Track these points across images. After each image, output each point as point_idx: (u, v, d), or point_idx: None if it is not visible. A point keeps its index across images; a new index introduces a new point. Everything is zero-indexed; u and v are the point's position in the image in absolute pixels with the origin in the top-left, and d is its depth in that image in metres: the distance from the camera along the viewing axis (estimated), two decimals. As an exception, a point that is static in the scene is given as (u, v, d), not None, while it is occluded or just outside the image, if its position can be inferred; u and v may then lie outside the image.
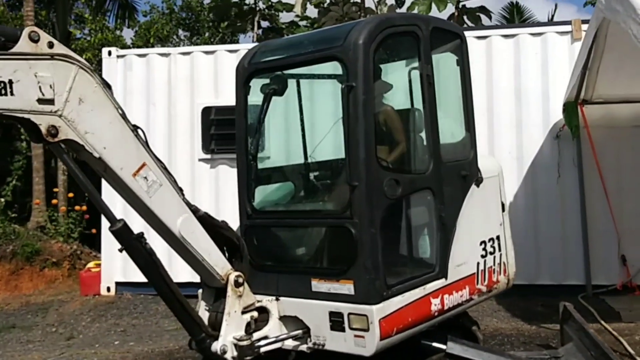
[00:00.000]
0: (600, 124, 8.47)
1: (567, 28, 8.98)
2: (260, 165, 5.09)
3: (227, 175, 8.66)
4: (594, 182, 8.45)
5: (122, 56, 9.82)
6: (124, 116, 4.14)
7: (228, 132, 8.65)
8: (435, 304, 4.82)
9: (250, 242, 5.00)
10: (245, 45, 9.64)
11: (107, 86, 4.10)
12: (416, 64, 4.93)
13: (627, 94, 8.22)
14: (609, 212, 8.37)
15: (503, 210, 5.70)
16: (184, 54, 9.68)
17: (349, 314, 4.44)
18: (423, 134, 4.97)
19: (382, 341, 4.37)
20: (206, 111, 9.23)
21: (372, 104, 4.45)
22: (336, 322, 4.50)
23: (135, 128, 4.22)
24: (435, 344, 5.09)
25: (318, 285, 4.62)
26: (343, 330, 4.48)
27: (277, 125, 5.48)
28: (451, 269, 4.99)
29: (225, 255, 4.81)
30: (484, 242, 5.40)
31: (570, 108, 8.32)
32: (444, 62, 5.43)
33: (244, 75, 5.10)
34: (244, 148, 5.06)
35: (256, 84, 5.07)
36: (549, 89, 8.83)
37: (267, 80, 5.01)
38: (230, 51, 9.47)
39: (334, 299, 4.53)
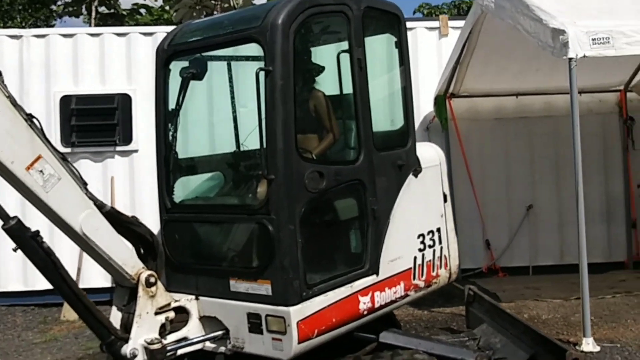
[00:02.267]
0: (466, 116, 8.90)
1: (436, 24, 9.08)
2: (180, 156, 4.74)
3: (90, 172, 7.79)
4: (460, 171, 8.75)
5: None
6: (15, 104, 3.78)
7: (91, 124, 8.33)
8: (364, 302, 4.54)
9: (169, 238, 4.69)
10: (112, 29, 9.21)
11: (-6, 71, 3.75)
12: (346, 47, 4.60)
13: (490, 88, 8.71)
14: (474, 200, 8.82)
15: (445, 201, 5.43)
16: (38, 36, 8.65)
17: (267, 315, 4.16)
18: (354, 122, 4.64)
19: (300, 344, 4.10)
20: (65, 100, 8.36)
21: (291, 89, 4.12)
22: (254, 324, 4.22)
23: (29, 117, 3.87)
24: (367, 335, 4.85)
25: (236, 285, 4.33)
26: (261, 332, 4.20)
27: (198, 112, 5.14)
28: (383, 265, 4.71)
29: (140, 253, 4.51)
30: (422, 235, 5.12)
31: (440, 101, 8.63)
32: (381, 45, 5.12)
33: (163, 57, 4.75)
34: (163, 136, 4.72)
35: (177, 67, 4.72)
36: (419, 82, 8.50)
37: (187, 63, 4.65)
38: (92, 34, 8.70)
39: (252, 300, 4.24)
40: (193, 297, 4.55)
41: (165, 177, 4.73)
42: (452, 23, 8.91)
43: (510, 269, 9.04)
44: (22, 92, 8.31)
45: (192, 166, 4.88)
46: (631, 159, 9.23)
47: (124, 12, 18.80)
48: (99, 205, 4.18)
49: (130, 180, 8.43)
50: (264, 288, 4.18)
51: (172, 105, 4.69)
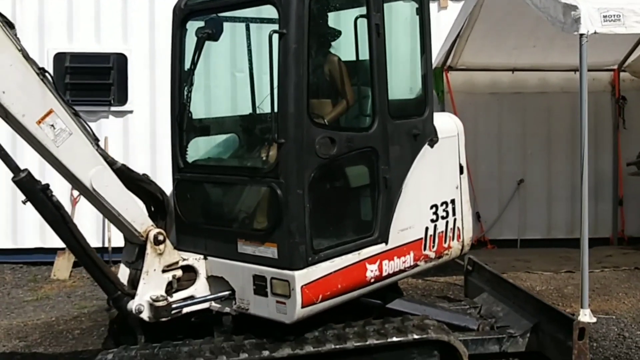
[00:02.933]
0: (462, 89, 8.96)
1: None
2: (194, 116, 4.74)
3: None
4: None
5: None
6: (27, 58, 3.81)
7: (85, 82, 8.21)
8: (371, 270, 4.53)
9: (181, 197, 4.72)
10: None
11: (8, 25, 3.76)
12: (364, 12, 4.51)
13: (488, 62, 8.77)
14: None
15: (461, 172, 5.36)
16: None
17: (272, 278, 4.17)
18: (369, 89, 4.57)
19: (304, 308, 4.11)
20: (59, 58, 8.21)
21: (305, 53, 4.06)
22: (260, 286, 4.24)
23: (42, 71, 3.89)
24: (373, 300, 4.89)
25: (244, 246, 4.35)
26: (266, 295, 4.22)
27: (214, 73, 5.11)
28: (393, 234, 4.68)
29: (150, 210, 4.55)
30: (435, 205, 5.07)
31: (438, 73, 8.62)
32: (401, 11, 5.02)
33: (179, 17, 4.71)
34: (178, 96, 4.71)
35: (193, 27, 4.68)
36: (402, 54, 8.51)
37: (203, 24, 4.61)
38: None
39: (259, 262, 4.26)
40: (201, 256, 4.58)
41: (179, 137, 4.74)
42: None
43: (498, 242, 9.20)
44: None
45: (206, 127, 4.88)
46: (621, 138, 9.34)
47: None
48: (110, 162, 4.21)
49: (124, 141, 8.36)
50: (271, 251, 4.19)
51: (187, 65, 4.66)
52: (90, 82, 8.22)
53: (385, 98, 4.58)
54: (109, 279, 4.23)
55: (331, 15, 4.68)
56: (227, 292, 4.47)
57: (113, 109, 8.30)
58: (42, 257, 8.33)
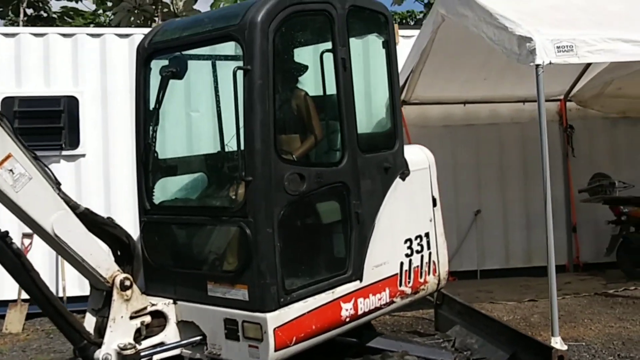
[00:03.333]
0: (416, 122, 8.96)
1: None
2: (160, 156, 4.63)
3: None
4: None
5: None
6: (-17, 102, 3.69)
7: (35, 126, 7.89)
8: (346, 309, 4.41)
9: (148, 240, 4.58)
10: (53, 29, 8.80)
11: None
12: (329, 46, 4.48)
13: (440, 96, 8.96)
14: None
15: (434, 205, 5.30)
16: None
17: (243, 321, 4.03)
18: (338, 123, 4.51)
19: (277, 352, 3.97)
20: (7, 102, 7.89)
21: (271, 89, 4.00)
22: (231, 330, 4.10)
23: (1, 116, 3.77)
24: (350, 339, 4.77)
25: (214, 289, 4.21)
26: (238, 339, 4.08)
27: (180, 112, 5.03)
28: (368, 270, 4.58)
29: (116, 255, 4.41)
30: (409, 240, 4.99)
31: None
32: (369, 45, 5.01)
33: (143, 56, 4.65)
34: (143, 136, 4.61)
35: (157, 66, 4.61)
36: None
37: (167, 62, 4.55)
38: (36, 35, 8.25)
39: (229, 305, 4.12)
40: (171, 301, 4.43)
41: (144, 178, 4.62)
42: (402, 32, 8.77)
43: (458, 273, 9.11)
44: None
45: (173, 167, 4.77)
46: (571, 166, 9.54)
47: (55, 16, 17.92)
48: (73, 206, 4.08)
49: (77, 185, 8.02)
50: (241, 293, 4.06)
51: (152, 104, 4.57)
52: (40, 126, 7.97)
53: (354, 132, 4.53)
54: (74, 328, 4.06)
55: (298, 50, 4.63)
56: (198, 338, 4.32)
57: (64, 153, 8.03)
58: None
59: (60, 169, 7.96)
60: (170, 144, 4.76)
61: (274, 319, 3.96)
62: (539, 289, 8.07)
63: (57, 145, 7.93)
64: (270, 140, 3.99)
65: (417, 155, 5.23)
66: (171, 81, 4.53)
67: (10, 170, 3.75)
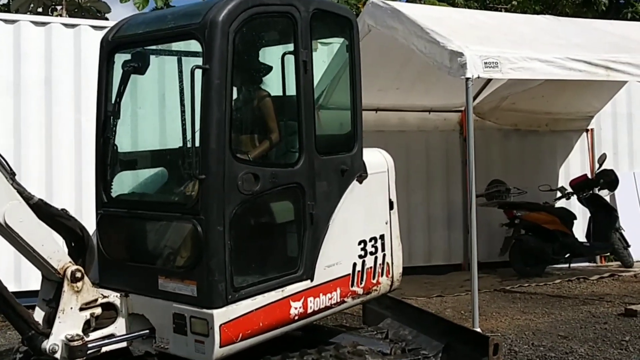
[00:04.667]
0: None
1: None
2: (119, 150, 4.66)
3: None
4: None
5: None
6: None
7: None
8: (295, 308, 4.49)
9: (103, 233, 4.62)
10: (20, 16, 8.39)
11: None
12: (292, 48, 4.53)
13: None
14: None
15: (391, 208, 5.38)
16: None
17: (191, 317, 4.09)
18: (296, 125, 4.57)
19: (223, 348, 4.03)
20: None
21: (228, 89, 4.06)
22: (179, 324, 4.16)
23: None
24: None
25: (164, 284, 4.27)
26: (185, 334, 4.13)
27: (141, 107, 5.04)
28: (319, 270, 4.66)
29: (71, 247, 4.44)
30: (364, 241, 5.07)
31: None
32: (332, 48, 5.07)
33: (107, 49, 4.67)
34: (102, 130, 4.64)
35: (120, 60, 4.63)
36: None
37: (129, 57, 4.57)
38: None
39: (179, 300, 4.18)
40: (122, 293, 4.47)
41: (102, 171, 4.65)
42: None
43: None
44: None
45: (131, 161, 4.80)
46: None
47: None
48: (26, 197, 4.09)
49: None
50: (190, 289, 4.12)
51: (113, 98, 4.60)
52: None
53: (313, 134, 4.59)
54: (22, 318, 4.08)
55: (260, 51, 4.67)
56: (146, 331, 4.37)
57: None
58: None
59: None
60: (130, 138, 4.79)
61: (221, 315, 4.02)
62: (442, 286, 8.70)
63: None
64: (225, 139, 4.04)
65: (376, 159, 5.31)
66: (134, 76, 4.56)
67: (-39, 159, 3.76)
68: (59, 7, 14.24)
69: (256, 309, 4.23)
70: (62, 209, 4.34)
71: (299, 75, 4.50)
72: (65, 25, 7.70)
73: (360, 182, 5.04)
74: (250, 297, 4.21)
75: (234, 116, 4.18)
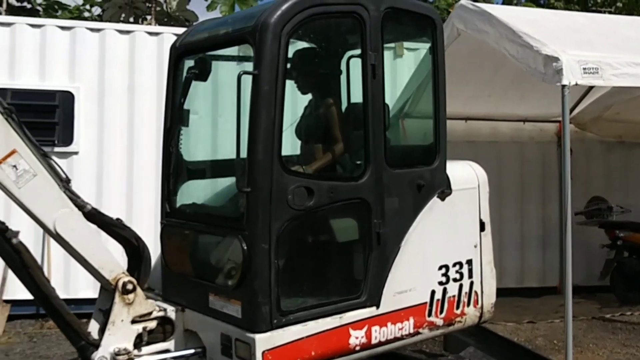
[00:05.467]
0: None
1: (391, 44, 7.83)
2: (183, 158, 4.53)
3: None
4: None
5: None
6: (-10, 96, 3.73)
7: (28, 120, 6.97)
8: (357, 337, 4.07)
9: (165, 244, 4.51)
10: (51, 21, 8.28)
11: (-29, 62, 3.71)
12: (359, 51, 4.15)
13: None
14: None
15: (482, 229, 4.80)
16: None
17: (236, 339, 3.83)
18: (362, 134, 4.16)
19: (266, 377, 3.72)
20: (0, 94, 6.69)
21: (279, 96, 3.75)
22: (225, 346, 3.91)
23: (7, 111, 3.81)
24: None
25: (214, 301, 4.04)
26: (231, 356, 3.87)
27: (205, 114, 4.88)
28: (387, 296, 4.21)
29: (130, 257, 4.35)
30: (445, 266, 4.55)
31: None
32: (420, 54, 4.62)
33: (174, 56, 4.56)
34: (167, 137, 4.53)
35: (187, 66, 4.50)
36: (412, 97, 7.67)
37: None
38: (33, 25, 7.67)
39: (226, 320, 3.93)
40: (179, 308, 4.31)
41: (167, 180, 4.54)
42: (407, 44, 8.06)
43: None
44: None
45: (193, 170, 4.65)
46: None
47: (39, 8, 16.83)
48: (79, 205, 4.04)
49: None
50: (235, 309, 3.85)
51: (179, 105, 4.47)
52: (33, 120, 7.06)
53: (382, 145, 4.16)
54: (72, 328, 4.03)
55: (325, 54, 4.33)
56: (198, 349, 4.17)
57: (57, 149, 7.41)
58: None
59: None
60: (194, 147, 4.64)
61: (264, 340, 3.70)
62: (534, 310, 8.08)
63: (49, 141, 7.40)
64: (273, 150, 3.74)
65: (464, 173, 4.77)
66: (200, 83, 4.40)
67: (14, 166, 3.77)
68: (148, 17, 14.73)
69: (308, 336, 3.87)
70: (117, 218, 4.26)
71: (367, 80, 4.09)
72: (149, 33, 7.81)
73: (443, 199, 4.53)
74: (301, 323, 3.86)
75: (290, 126, 3.86)
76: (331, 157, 4.20)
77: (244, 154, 3.74)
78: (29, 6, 16.58)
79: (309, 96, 4.41)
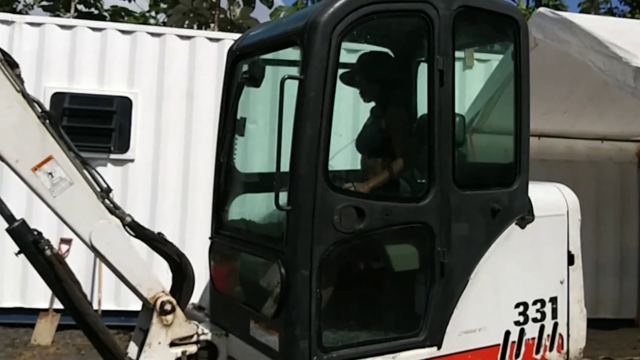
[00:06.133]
0: None
1: (460, 54, 6.98)
2: (235, 170, 4.21)
3: None
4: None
5: None
6: (28, 99, 3.57)
7: (83, 126, 7.16)
8: (413, 380, 3.56)
9: (213, 262, 4.20)
10: (112, 25, 8.11)
11: (11, 64, 3.57)
12: (426, 55, 3.66)
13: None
14: None
15: (571, 263, 4.16)
16: (32, 24, 7.40)
17: (273, 374, 3.43)
18: (427, 150, 3.67)
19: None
20: (57, 98, 7.21)
21: (327, 104, 3.33)
22: (264, 380, 3.52)
23: (45, 115, 3.63)
24: None
25: (254, 329, 3.68)
26: (268, 392, 3.48)
27: (259, 123, 4.51)
28: (452, 336, 3.67)
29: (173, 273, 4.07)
30: (524, 304, 3.96)
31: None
32: (492, 65, 4.07)
33: (230, 60, 4.26)
34: (220, 146, 4.23)
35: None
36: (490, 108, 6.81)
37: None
38: (93, 29, 7.53)
39: (264, 351, 3.55)
40: (223, 332, 3.99)
41: (217, 192, 4.23)
42: (477, 55, 7.40)
43: None
44: None
45: (247, 183, 4.32)
46: None
47: (106, 14, 16.92)
48: (119, 217, 3.81)
49: (122, 192, 7.21)
50: (273, 340, 3.46)
51: (232, 113, 4.16)
52: (90, 126, 7.28)
53: (450, 162, 3.64)
54: (107, 348, 3.79)
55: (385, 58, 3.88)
56: (239, 380, 3.82)
57: (113, 156, 7.36)
58: (22, 318, 7.16)
59: (107, 173, 7.08)
60: (248, 157, 4.31)
61: (301, 380, 3.29)
62: (610, 345, 7.43)
63: (105, 148, 7.32)
64: (318, 163, 3.31)
65: (550, 197, 4.17)
66: (258, 90, 4.07)
67: (50, 173, 3.58)
68: (212, 25, 14.71)
69: (352, 378, 3.41)
70: (159, 233, 3.99)
71: (433, 88, 3.59)
72: (210, 39, 7.55)
73: (523, 227, 3.94)
74: (346, 362, 3.40)
75: (363, 137, 3.46)
76: (389, 174, 3.73)
77: (284, 167, 3.34)
78: (96, 12, 17.02)
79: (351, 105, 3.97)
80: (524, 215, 3.93)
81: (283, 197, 3.66)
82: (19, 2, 17.68)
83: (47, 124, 3.61)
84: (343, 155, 4.17)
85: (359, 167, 4.14)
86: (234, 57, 4.22)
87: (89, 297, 6.65)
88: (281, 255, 3.38)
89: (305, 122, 3.32)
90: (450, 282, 3.67)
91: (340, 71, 3.56)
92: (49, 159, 3.58)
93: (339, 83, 3.46)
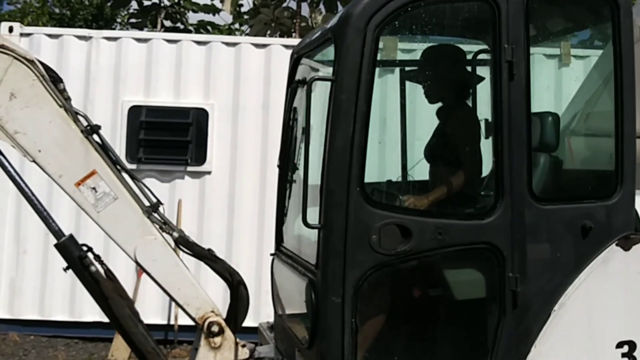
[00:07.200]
0: None
1: (556, 51, 6.31)
2: (293, 180, 3.89)
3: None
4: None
5: (28, 34, 7.43)
6: (71, 114, 3.52)
7: (160, 139, 7.10)
8: None
9: (274, 279, 3.92)
10: (191, 36, 7.95)
11: (55, 80, 3.54)
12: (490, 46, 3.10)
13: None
14: None
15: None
16: (109, 38, 7.46)
17: (307, 412, 3.06)
18: (492, 157, 3.10)
19: None
20: (134, 111, 7.20)
21: (360, 107, 2.91)
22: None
23: (90, 129, 3.56)
24: None
25: (298, 356, 3.33)
26: None
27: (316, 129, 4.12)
28: (530, 380, 3.06)
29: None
30: (630, 343, 3.21)
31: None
32: (590, 61, 3.39)
33: (291, 63, 3.96)
34: (282, 157, 3.95)
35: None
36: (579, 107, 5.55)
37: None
38: (169, 41, 7.44)
39: (304, 384, 3.19)
40: (280, 358, 3.68)
41: (281, 205, 3.95)
42: (575, 51, 6.18)
43: None
44: (86, 100, 7.30)
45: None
46: None
47: (192, 28, 17.11)
48: (167, 233, 3.64)
49: (199, 205, 7.20)
50: (309, 373, 3.09)
51: (293, 119, 3.87)
52: (167, 138, 7.24)
53: (524, 171, 3.05)
54: None
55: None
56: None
57: (189, 169, 7.27)
58: (99, 332, 7.14)
59: (184, 185, 7.31)
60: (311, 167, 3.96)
61: (330, 422, 2.88)
62: None
63: (182, 160, 7.26)
64: (351, 175, 2.90)
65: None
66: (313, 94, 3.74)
67: (93, 188, 3.51)
68: (294, 34, 14.33)
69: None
70: (208, 249, 3.77)
71: (500, 83, 3.02)
72: (286, 46, 7.23)
73: (627, 249, 3.21)
74: (387, 404, 2.95)
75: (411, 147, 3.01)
76: (448, 187, 3.19)
77: (313, 179, 2.97)
78: (182, 27, 17.74)
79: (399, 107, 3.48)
80: (629, 234, 3.19)
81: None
82: (118, 23, 19.32)
83: (90, 138, 3.54)
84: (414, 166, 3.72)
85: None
86: (294, 60, 3.91)
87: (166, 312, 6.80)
88: (313, 279, 3.00)
89: (336, 129, 2.93)
90: (526, 315, 3.06)
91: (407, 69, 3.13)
92: (92, 173, 3.51)
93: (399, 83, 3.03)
